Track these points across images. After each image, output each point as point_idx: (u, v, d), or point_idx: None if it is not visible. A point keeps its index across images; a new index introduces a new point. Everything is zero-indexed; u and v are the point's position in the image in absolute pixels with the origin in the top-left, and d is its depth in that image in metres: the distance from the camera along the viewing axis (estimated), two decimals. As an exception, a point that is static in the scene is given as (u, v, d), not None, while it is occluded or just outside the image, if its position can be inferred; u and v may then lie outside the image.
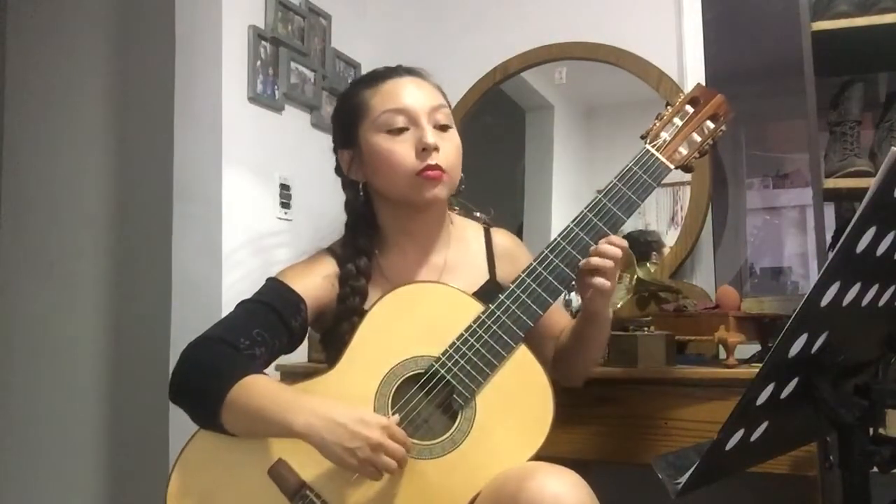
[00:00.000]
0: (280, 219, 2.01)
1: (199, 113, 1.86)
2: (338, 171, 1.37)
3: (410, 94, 1.27)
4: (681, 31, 2.08)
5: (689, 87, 2.01)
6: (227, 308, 1.77)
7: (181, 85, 1.90)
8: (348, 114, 1.31)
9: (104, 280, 2.40)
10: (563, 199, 2.25)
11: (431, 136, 1.24)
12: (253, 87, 1.93)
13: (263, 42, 1.97)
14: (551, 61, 2.21)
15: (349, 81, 2.30)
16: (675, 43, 2.09)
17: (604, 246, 1.18)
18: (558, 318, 1.37)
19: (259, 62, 1.95)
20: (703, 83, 1.99)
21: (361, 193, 1.34)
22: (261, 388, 1.09)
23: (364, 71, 2.36)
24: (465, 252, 1.36)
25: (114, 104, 2.43)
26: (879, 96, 1.88)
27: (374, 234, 1.33)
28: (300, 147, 2.10)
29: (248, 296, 1.25)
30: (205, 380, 1.12)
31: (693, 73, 2.04)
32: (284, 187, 2.03)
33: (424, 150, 1.23)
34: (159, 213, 2.00)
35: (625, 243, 1.19)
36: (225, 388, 1.08)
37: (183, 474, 1.12)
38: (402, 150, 1.24)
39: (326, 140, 2.35)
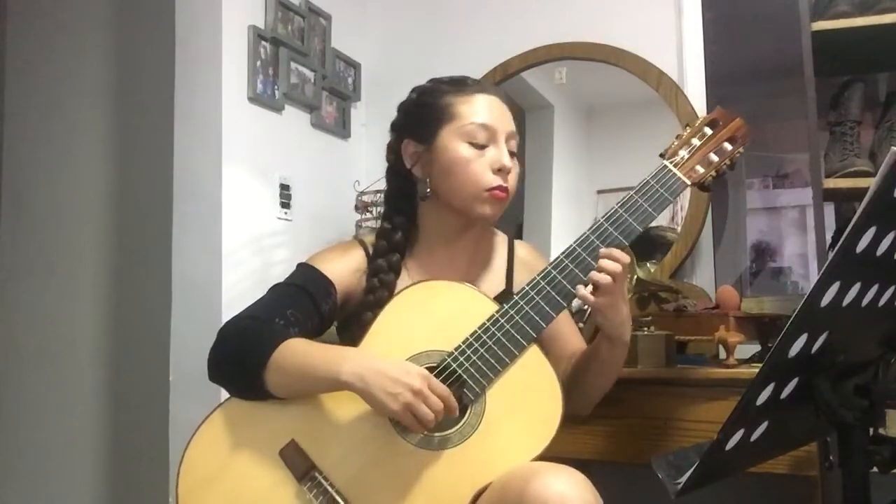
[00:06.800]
0: (280, 219, 2.01)
1: (199, 113, 1.86)
2: (395, 161, 1.37)
3: (497, 114, 1.33)
4: (681, 31, 2.08)
5: (689, 86, 2.02)
6: (227, 308, 1.79)
7: (181, 85, 1.90)
8: (432, 112, 1.33)
9: (104, 280, 2.40)
10: (563, 199, 2.24)
11: (508, 160, 1.30)
12: (253, 87, 1.92)
13: (263, 42, 1.97)
14: (551, 61, 2.20)
15: (350, 82, 2.31)
16: (675, 43, 2.08)
17: (603, 262, 1.17)
18: (572, 337, 1.37)
19: (259, 62, 1.94)
20: (703, 83, 2.00)
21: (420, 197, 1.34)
22: (303, 347, 1.14)
23: (364, 71, 2.36)
24: (488, 260, 1.40)
25: (114, 104, 2.43)
26: (879, 96, 1.88)
27: (411, 232, 1.36)
28: (300, 147, 2.10)
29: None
30: (244, 350, 1.15)
31: (693, 73, 2.03)
32: (284, 187, 2.03)
33: (500, 170, 1.30)
34: (159, 213, 2.00)
35: (626, 258, 1.18)
36: (267, 351, 1.12)
37: (195, 453, 1.15)
38: (479, 164, 1.29)
39: (327, 140, 2.35)
